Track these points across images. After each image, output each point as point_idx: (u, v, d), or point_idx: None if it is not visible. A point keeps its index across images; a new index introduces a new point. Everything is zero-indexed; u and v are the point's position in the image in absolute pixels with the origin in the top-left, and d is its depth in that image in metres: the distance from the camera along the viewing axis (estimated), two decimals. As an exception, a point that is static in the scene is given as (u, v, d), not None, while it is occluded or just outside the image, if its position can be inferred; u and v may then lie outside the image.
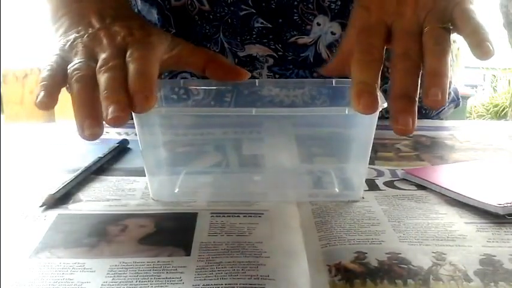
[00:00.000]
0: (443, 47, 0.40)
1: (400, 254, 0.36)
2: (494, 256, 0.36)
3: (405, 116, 0.37)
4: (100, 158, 0.53)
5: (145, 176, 0.46)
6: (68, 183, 0.47)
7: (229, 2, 0.64)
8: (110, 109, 0.37)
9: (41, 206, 0.43)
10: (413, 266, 0.34)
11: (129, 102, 0.38)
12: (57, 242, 0.38)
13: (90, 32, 0.45)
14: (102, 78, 0.39)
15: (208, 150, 0.50)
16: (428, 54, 0.40)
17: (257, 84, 0.52)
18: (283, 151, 0.47)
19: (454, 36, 0.43)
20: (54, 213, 0.42)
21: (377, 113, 0.42)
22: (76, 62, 0.42)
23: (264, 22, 0.65)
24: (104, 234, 0.39)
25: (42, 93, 0.40)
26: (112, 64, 0.40)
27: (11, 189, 0.48)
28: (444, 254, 0.36)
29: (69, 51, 0.43)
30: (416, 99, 0.38)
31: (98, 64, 0.41)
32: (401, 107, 0.38)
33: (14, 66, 2.72)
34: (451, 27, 0.41)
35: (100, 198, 0.46)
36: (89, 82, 0.40)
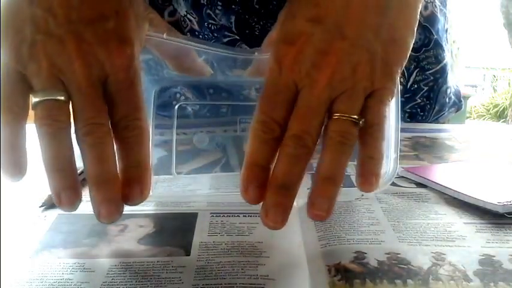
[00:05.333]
0: (343, 146, 0.34)
1: (399, 254, 0.36)
2: (494, 256, 0.36)
3: (276, 210, 0.33)
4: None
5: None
6: (68, 183, 0.47)
7: (213, 28, 0.64)
8: (103, 210, 0.34)
9: (41, 206, 0.43)
10: (412, 266, 0.34)
11: (120, 194, 0.35)
12: (57, 242, 0.38)
13: (53, 30, 0.34)
14: (88, 154, 0.34)
15: (208, 149, 0.50)
16: (325, 151, 0.34)
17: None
18: None
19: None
20: (54, 213, 0.42)
21: (393, 111, 0.40)
22: (41, 98, 0.34)
23: (248, 48, 0.64)
24: (103, 234, 0.39)
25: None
26: (100, 134, 0.34)
27: (11, 189, 0.48)
28: (444, 254, 0.36)
29: (28, 61, 0.34)
30: (296, 191, 0.34)
31: (77, 121, 0.34)
32: (275, 201, 0.33)
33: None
34: (360, 122, 0.35)
35: (100, 198, 0.46)
36: (62, 139, 0.34)
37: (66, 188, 0.34)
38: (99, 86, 0.35)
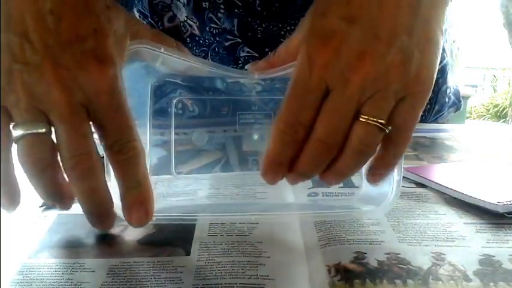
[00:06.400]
0: (361, 155, 0.35)
1: (399, 254, 0.36)
2: (494, 256, 0.36)
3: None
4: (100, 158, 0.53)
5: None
6: (68, 183, 0.47)
7: (214, 32, 0.64)
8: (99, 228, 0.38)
9: (41, 206, 0.43)
10: (412, 266, 0.34)
11: (114, 221, 0.37)
12: (57, 242, 0.38)
13: (29, 58, 0.32)
14: (79, 187, 0.34)
15: (208, 148, 0.50)
16: (343, 154, 0.34)
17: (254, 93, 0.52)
18: None
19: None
20: (54, 213, 0.42)
21: None
22: (21, 132, 0.33)
23: (251, 51, 0.64)
24: (103, 234, 0.39)
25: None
26: (89, 165, 0.33)
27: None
28: (443, 254, 0.36)
29: (5, 92, 0.32)
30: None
31: (63, 152, 0.33)
32: (292, 180, 0.36)
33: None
34: (387, 130, 0.34)
35: (100, 198, 0.46)
36: (47, 177, 0.34)
37: (57, 200, 0.36)
38: (82, 112, 0.33)
